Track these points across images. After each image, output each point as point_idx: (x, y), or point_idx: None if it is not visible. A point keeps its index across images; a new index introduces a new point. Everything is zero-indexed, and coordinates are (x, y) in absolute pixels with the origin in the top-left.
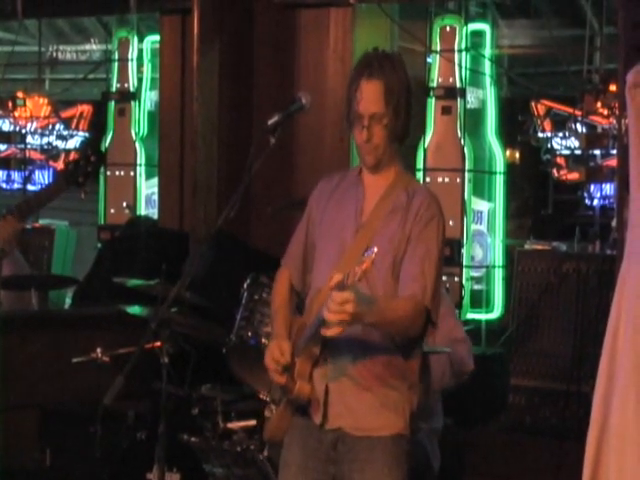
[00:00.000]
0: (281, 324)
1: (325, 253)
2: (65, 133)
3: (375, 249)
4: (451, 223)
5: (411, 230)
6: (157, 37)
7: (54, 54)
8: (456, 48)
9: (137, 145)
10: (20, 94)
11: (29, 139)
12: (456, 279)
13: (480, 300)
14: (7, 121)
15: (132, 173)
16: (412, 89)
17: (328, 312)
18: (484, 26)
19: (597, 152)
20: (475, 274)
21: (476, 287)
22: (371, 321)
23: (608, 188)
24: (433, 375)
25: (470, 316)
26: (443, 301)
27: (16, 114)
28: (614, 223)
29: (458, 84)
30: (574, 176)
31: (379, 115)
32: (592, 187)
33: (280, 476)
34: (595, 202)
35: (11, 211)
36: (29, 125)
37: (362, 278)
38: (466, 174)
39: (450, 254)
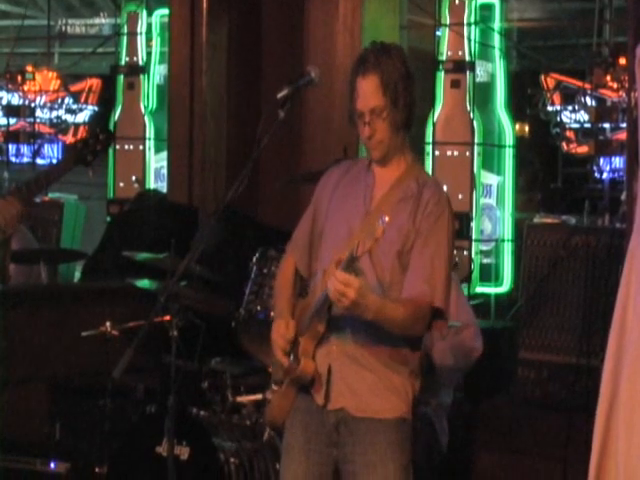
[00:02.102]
0: (284, 303)
1: (332, 238)
2: (74, 107)
3: (386, 218)
4: (460, 197)
5: (420, 224)
6: (166, 11)
7: (63, 28)
8: (465, 21)
9: (146, 119)
10: (29, 68)
11: (38, 113)
12: (465, 253)
13: (489, 274)
14: (16, 95)
15: (141, 147)
16: (413, 76)
17: (331, 286)
18: None
19: (606, 125)
20: (484, 248)
21: (485, 261)
22: (369, 317)
23: (617, 161)
24: (439, 371)
25: (479, 290)
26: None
27: (25, 88)
28: (623, 196)
29: (467, 57)
30: (583, 149)
31: (379, 109)
32: (601, 160)
33: (283, 459)
34: (604, 175)
35: (11, 192)
36: (38, 99)
37: (373, 246)
38: (475, 147)
39: (459, 228)
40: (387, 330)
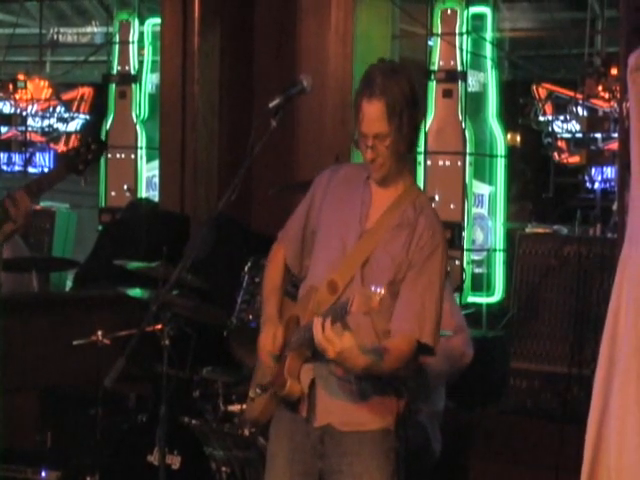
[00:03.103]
0: (273, 307)
1: (325, 251)
2: (66, 115)
3: (382, 290)
4: (452, 206)
5: (414, 256)
6: (158, 19)
7: (55, 36)
8: (457, 31)
9: (138, 128)
10: (21, 76)
11: (30, 121)
12: (457, 262)
13: (481, 283)
14: (8, 103)
15: (133, 156)
16: (419, 101)
17: (315, 334)
18: (485, 9)
19: (598, 135)
20: (476, 257)
21: (477, 270)
22: (356, 372)
23: (609, 171)
24: (430, 374)
25: (471, 299)
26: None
27: (17, 96)
28: (615, 206)
29: (459, 67)
30: (575, 159)
31: (382, 135)
32: (593, 170)
33: (267, 467)
34: (596, 185)
35: (23, 189)
36: (30, 107)
37: (367, 314)
38: (467, 157)
39: (451, 237)
40: None
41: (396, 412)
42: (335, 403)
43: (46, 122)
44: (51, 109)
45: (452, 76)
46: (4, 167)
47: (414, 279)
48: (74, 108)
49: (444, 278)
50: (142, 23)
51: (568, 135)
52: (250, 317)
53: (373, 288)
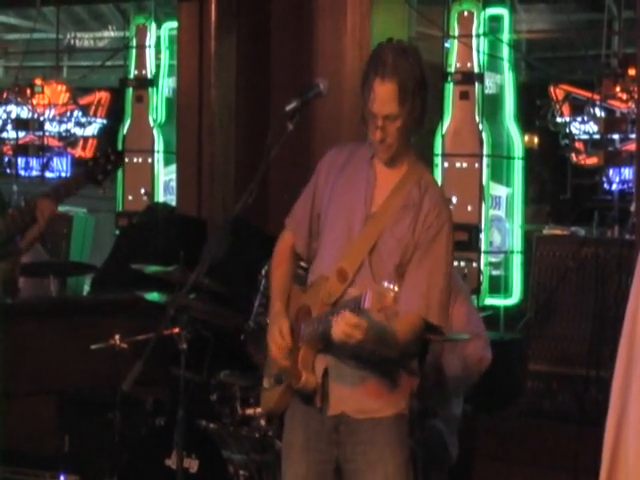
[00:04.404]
0: (280, 303)
1: (332, 235)
2: (83, 120)
3: (396, 288)
4: (469, 208)
5: (420, 236)
6: (175, 24)
7: (72, 41)
8: (474, 33)
9: (155, 132)
10: (38, 81)
11: (47, 126)
12: (474, 265)
13: (499, 286)
14: (25, 108)
15: (150, 160)
16: (427, 82)
17: (337, 328)
18: (502, 11)
19: (616, 136)
20: (493, 260)
21: (494, 273)
22: (371, 348)
23: (627, 172)
24: (448, 379)
25: (488, 302)
26: (460, 293)
27: (34, 101)
28: (633, 208)
29: (476, 69)
30: (593, 161)
31: (393, 116)
32: (611, 171)
33: (283, 457)
34: (614, 187)
35: (47, 194)
36: (47, 112)
37: (381, 311)
38: (484, 159)
39: (468, 240)
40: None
41: (409, 393)
42: (348, 392)
43: (63, 127)
44: (68, 114)
45: (469, 78)
46: (22, 172)
47: (420, 259)
48: (91, 112)
49: (451, 256)
50: (159, 27)
51: (585, 136)
52: (267, 321)
53: (386, 284)
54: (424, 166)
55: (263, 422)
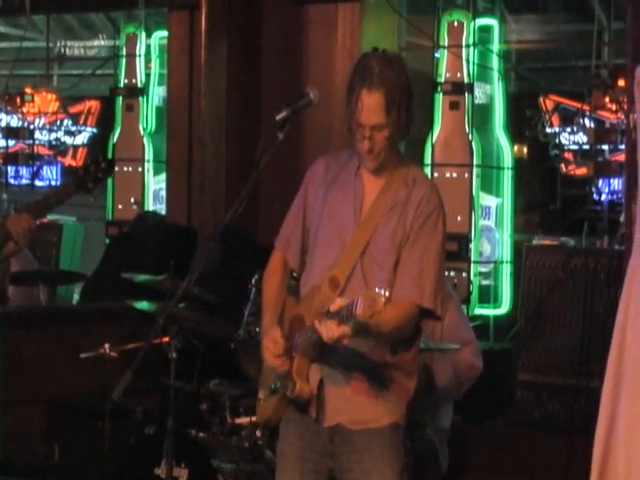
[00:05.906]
0: (271, 315)
1: (324, 250)
2: (73, 129)
3: (387, 292)
4: (459, 218)
5: (412, 224)
6: (165, 33)
7: (62, 50)
8: (464, 43)
9: (145, 141)
10: (28, 90)
11: (37, 135)
12: (464, 274)
13: (488, 295)
14: (15, 117)
15: (140, 169)
16: (413, 90)
17: (325, 336)
18: (492, 21)
19: (605, 147)
20: (483, 269)
21: (484, 282)
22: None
23: (616, 183)
24: (440, 389)
25: (478, 312)
26: (450, 302)
27: (24, 110)
28: (622, 218)
29: (466, 79)
30: (582, 171)
31: (380, 126)
32: (600, 182)
33: (277, 467)
34: (603, 197)
35: (26, 208)
36: (37, 121)
37: (371, 318)
38: (474, 169)
39: (458, 249)
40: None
41: (406, 400)
42: (344, 402)
43: (53, 135)
44: (58, 122)
45: (459, 88)
46: (12, 180)
47: (411, 245)
48: (81, 121)
49: (442, 239)
50: (149, 36)
51: (575, 147)
52: (257, 330)
53: (377, 290)
54: (410, 163)
55: (259, 432)
